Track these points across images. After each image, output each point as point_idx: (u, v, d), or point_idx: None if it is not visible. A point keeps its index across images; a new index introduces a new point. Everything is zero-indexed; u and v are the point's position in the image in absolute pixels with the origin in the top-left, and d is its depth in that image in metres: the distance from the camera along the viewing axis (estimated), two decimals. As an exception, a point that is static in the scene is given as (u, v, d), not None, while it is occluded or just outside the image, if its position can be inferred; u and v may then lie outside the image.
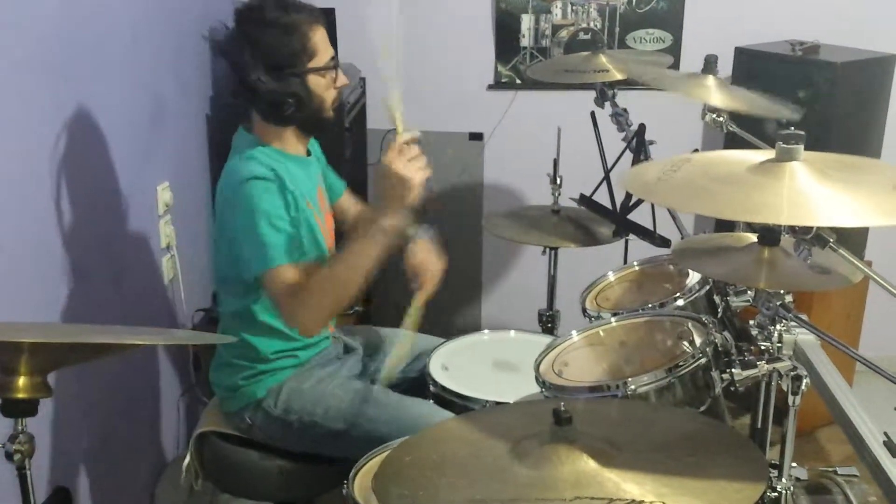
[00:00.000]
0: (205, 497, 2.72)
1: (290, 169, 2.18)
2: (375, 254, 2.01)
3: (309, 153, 2.33)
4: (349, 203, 2.56)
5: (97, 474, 2.43)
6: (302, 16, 2.12)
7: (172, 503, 2.75)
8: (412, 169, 1.99)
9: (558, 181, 2.90)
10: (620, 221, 2.67)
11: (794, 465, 1.69)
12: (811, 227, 1.42)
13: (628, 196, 2.60)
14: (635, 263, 2.50)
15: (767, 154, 1.52)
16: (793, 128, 1.49)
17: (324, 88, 2.18)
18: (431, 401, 2.26)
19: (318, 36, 2.15)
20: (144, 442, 2.83)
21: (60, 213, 2.24)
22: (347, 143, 3.24)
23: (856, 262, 1.44)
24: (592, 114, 2.80)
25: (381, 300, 3.59)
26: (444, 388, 2.24)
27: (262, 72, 2.09)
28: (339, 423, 2.22)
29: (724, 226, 2.20)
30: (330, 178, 2.48)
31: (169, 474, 2.84)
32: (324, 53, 2.16)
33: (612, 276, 2.45)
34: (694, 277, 2.21)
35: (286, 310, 2.09)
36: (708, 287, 2.13)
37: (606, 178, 2.73)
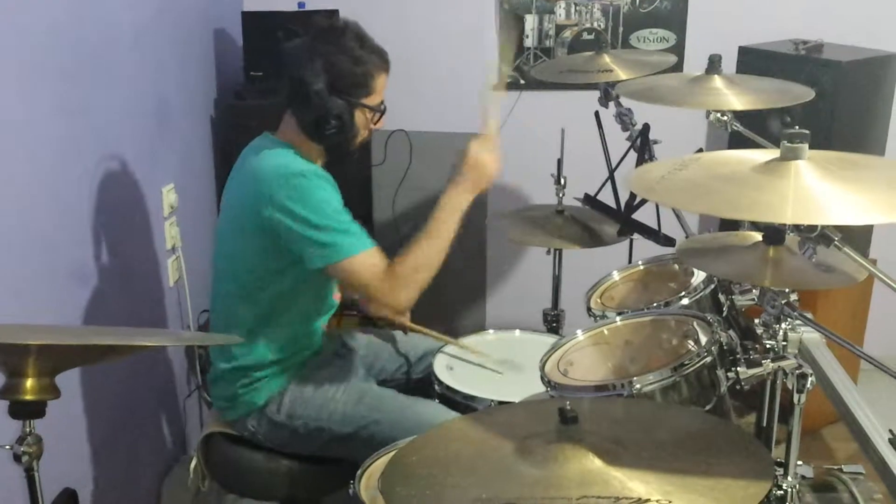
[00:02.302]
0: (211, 497, 2.73)
1: None
2: (455, 226, 2.21)
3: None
4: None
5: (104, 475, 2.44)
6: (373, 56, 2.21)
7: (179, 504, 2.76)
8: (494, 161, 2.27)
9: (562, 181, 2.90)
10: (625, 221, 2.67)
11: (799, 463, 1.69)
12: (816, 226, 1.42)
13: (633, 196, 2.60)
14: (640, 263, 2.50)
15: (772, 153, 1.52)
16: (797, 126, 1.49)
17: (363, 125, 2.25)
18: (437, 401, 2.27)
19: (380, 80, 2.23)
20: (151, 443, 2.83)
21: (66, 215, 2.25)
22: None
23: (860, 260, 1.44)
24: (596, 113, 2.80)
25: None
26: (449, 388, 2.24)
27: (323, 87, 2.15)
28: (346, 427, 2.23)
29: (729, 224, 2.19)
30: None
31: (175, 475, 2.85)
32: (377, 96, 2.25)
33: (616, 276, 2.45)
34: (699, 276, 2.21)
35: (380, 292, 2.14)
36: (713, 286, 2.13)
37: (611, 177, 2.73)
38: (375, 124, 2.28)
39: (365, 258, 2.12)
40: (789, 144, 1.47)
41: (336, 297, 2.34)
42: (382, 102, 2.27)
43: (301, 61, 2.16)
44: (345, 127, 2.20)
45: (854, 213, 1.36)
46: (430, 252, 2.17)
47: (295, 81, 2.16)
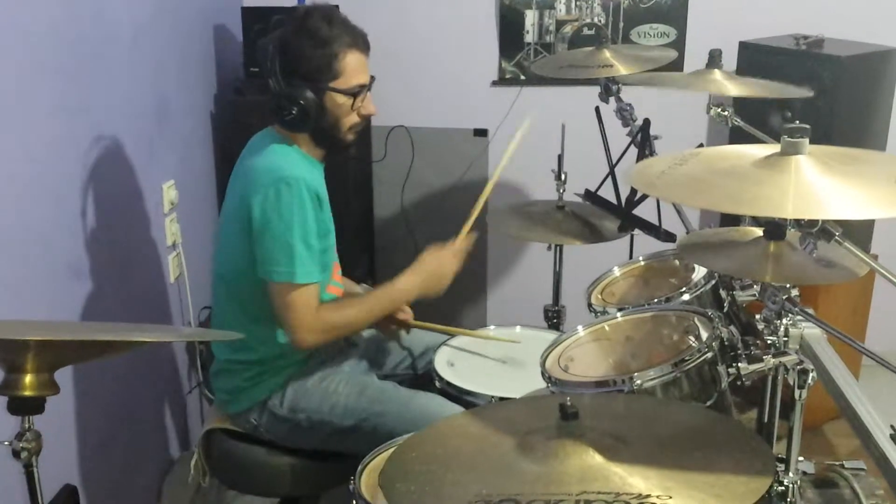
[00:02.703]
0: (212, 494, 2.73)
1: (313, 170, 2.20)
2: (387, 311, 2.28)
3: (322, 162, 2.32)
4: None
5: (105, 472, 2.44)
6: (342, 35, 2.14)
7: (180, 500, 2.76)
8: (452, 270, 2.31)
9: (563, 177, 2.89)
10: (625, 217, 2.66)
11: (800, 458, 1.69)
12: (817, 221, 1.42)
13: (633, 191, 2.60)
14: (641, 258, 2.49)
15: (773, 148, 1.52)
16: (798, 121, 1.49)
17: (342, 110, 2.19)
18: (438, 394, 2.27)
19: (352, 59, 2.16)
20: (152, 439, 2.83)
21: (66, 212, 2.25)
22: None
23: (861, 255, 1.44)
24: (597, 109, 2.80)
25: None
26: (449, 384, 2.24)
27: (278, 73, 2.12)
28: (348, 420, 2.22)
29: (730, 220, 2.19)
30: None
31: (176, 471, 2.85)
32: (351, 77, 2.17)
33: (617, 272, 2.45)
34: (699, 272, 2.21)
35: (299, 327, 2.13)
36: (714, 281, 2.13)
37: (611, 173, 2.73)
38: (356, 108, 2.20)
39: (304, 291, 2.11)
40: (790, 139, 1.47)
41: (332, 290, 2.33)
42: (362, 85, 2.19)
43: (264, 48, 2.13)
44: (307, 112, 2.13)
45: (855, 207, 1.36)
46: (357, 319, 2.23)
47: (262, 70, 2.15)
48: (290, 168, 2.12)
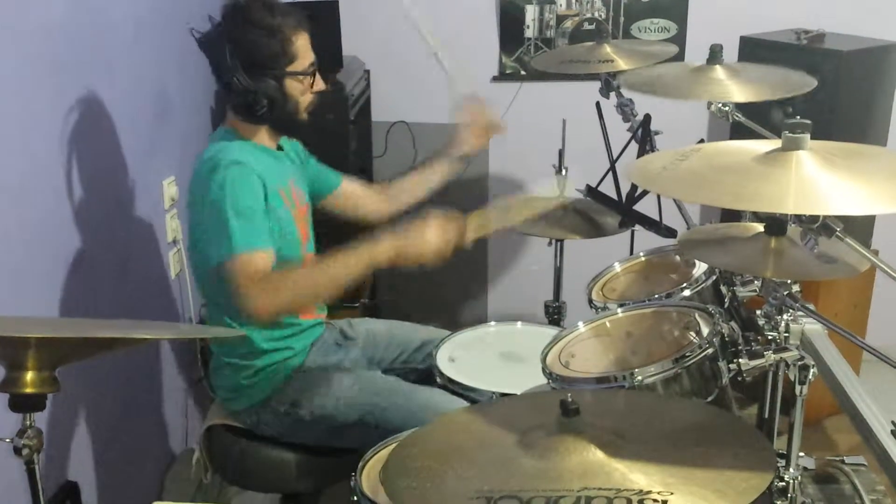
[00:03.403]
0: (213, 490, 2.73)
1: (262, 159, 2.20)
2: (358, 273, 2.03)
3: (280, 148, 2.33)
4: (354, 188, 2.57)
5: (106, 469, 2.44)
6: (286, 20, 2.15)
7: (181, 496, 2.76)
8: (444, 250, 2.05)
9: (564, 172, 2.89)
10: (626, 212, 2.66)
11: (801, 454, 1.69)
12: (817, 216, 1.42)
13: (634, 187, 2.60)
14: (641, 254, 2.49)
15: (774, 144, 1.52)
16: (798, 117, 1.49)
17: (299, 92, 2.21)
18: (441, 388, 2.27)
19: (301, 41, 2.18)
20: (153, 436, 2.84)
21: (67, 208, 2.24)
22: (352, 135, 3.24)
23: (862, 250, 1.44)
24: (598, 104, 2.79)
25: (386, 294, 3.59)
26: (450, 380, 2.24)
27: (240, 70, 2.12)
28: (352, 414, 2.23)
29: (731, 216, 2.19)
30: (320, 172, 2.50)
31: (177, 468, 2.85)
32: (304, 59, 2.19)
33: (618, 267, 2.45)
34: (700, 268, 2.21)
35: (246, 296, 1.98)
36: (714, 277, 2.13)
37: (612, 168, 2.72)
38: (314, 87, 2.23)
39: (239, 260, 2.00)
40: (791, 135, 1.47)
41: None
42: (313, 63, 2.22)
43: (216, 51, 2.14)
44: (276, 102, 2.16)
45: (855, 203, 1.36)
46: (318, 280, 2.05)
47: (217, 72, 2.16)
48: (224, 153, 2.12)
